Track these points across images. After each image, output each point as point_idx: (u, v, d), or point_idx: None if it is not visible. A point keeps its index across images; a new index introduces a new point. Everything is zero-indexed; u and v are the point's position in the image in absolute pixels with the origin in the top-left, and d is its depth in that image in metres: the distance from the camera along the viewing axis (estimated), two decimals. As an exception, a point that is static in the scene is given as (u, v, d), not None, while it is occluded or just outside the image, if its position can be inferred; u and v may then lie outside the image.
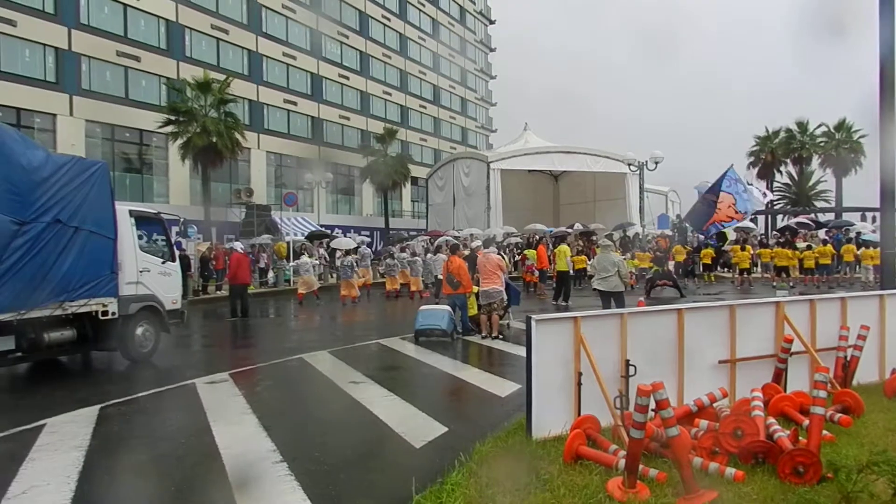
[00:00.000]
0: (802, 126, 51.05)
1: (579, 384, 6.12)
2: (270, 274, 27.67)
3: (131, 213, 11.34)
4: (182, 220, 14.39)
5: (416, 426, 6.86)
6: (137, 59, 34.59)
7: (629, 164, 33.26)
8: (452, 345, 12.47)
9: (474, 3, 74.58)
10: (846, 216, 38.89)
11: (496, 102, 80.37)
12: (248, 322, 17.44)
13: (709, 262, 26.78)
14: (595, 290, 13.55)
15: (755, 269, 26.40)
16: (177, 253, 13.14)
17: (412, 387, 9.31)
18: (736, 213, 18.71)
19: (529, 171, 41.42)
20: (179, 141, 29.85)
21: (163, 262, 11.96)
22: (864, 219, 37.54)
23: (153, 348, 11.39)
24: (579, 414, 6.01)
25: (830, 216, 41.18)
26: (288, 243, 28.89)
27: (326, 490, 5.13)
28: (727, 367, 7.08)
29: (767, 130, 51.66)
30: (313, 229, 36.20)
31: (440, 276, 17.43)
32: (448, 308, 13.19)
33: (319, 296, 22.58)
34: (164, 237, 12.35)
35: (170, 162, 34.43)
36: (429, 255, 24.48)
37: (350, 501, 4.94)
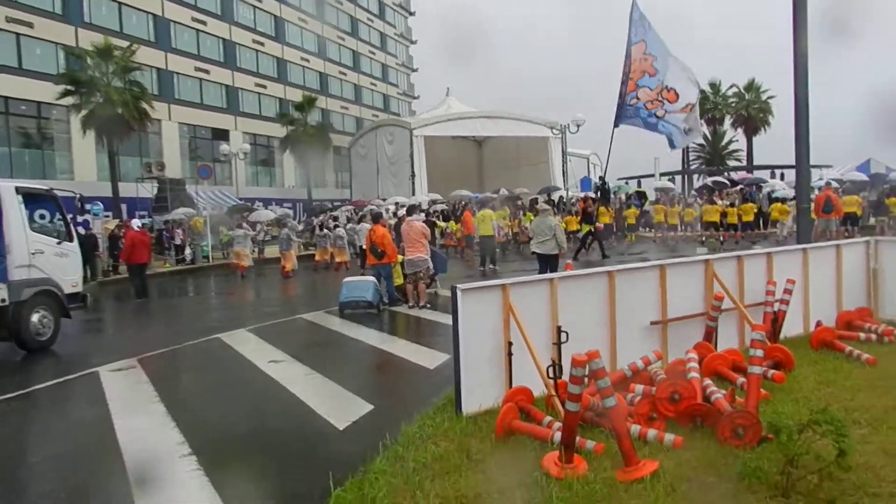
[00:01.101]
0: (715, 87, 52.32)
1: (510, 354, 5.79)
2: (188, 251, 26.41)
3: (18, 190, 10.31)
4: (79, 196, 13.24)
5: (339, 406, 6.42)
6: (30, 25, 32.06)
7: (551, 128, 33.33)
8: (379, 316, 12.03)
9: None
10: (757, 174, 40.28)
11: (417, 68, 79.26)
12: (160, 303, 16.47)
13: (633, 221, 27.13)
14: (533, 253, 13.36)
15: (679, 227, 26.91)
16: (79, 232, 12.12)
17: (336, 363, 8.83)
18: (652, 69, 14.65)
19: (453, 137, 40.98)
20: (81, 113, 27.86)
21: (59, 243, 10.97)
22: (773, 176, 38.98)
23: (52, 336, 10.48)
24: (511, 386, 5.69)
25: (744, 175, 42.54)
26: (205, 218, 27.61)
27: (238, 485, 4.64)
28: (659, 329, 6.91)
29: (684, 92, 52.67)
30: (233, 203, 34.81)
31: (364, 247, 16.88)
32: (373, 279, 12.71)
33: (245, 272, 21.62)
34: (60, 215, 11.32)
35: (72, 136, 32.21)
36: (350, 225, 23.83)
37: (264, 497, 4.47)
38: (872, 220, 23.32)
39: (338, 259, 21.83)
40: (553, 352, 5.86)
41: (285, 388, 7.19)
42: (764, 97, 51.16)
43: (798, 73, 10.23)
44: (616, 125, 16.19)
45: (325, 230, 23.55)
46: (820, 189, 22.05)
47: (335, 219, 26.11)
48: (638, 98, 15.00)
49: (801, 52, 10.16)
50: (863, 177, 31.99)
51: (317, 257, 23.57)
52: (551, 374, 5.44)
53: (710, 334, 7.02)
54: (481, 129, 39.71)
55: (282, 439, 5.69)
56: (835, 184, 27.39)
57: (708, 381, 5.52)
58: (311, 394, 6.89)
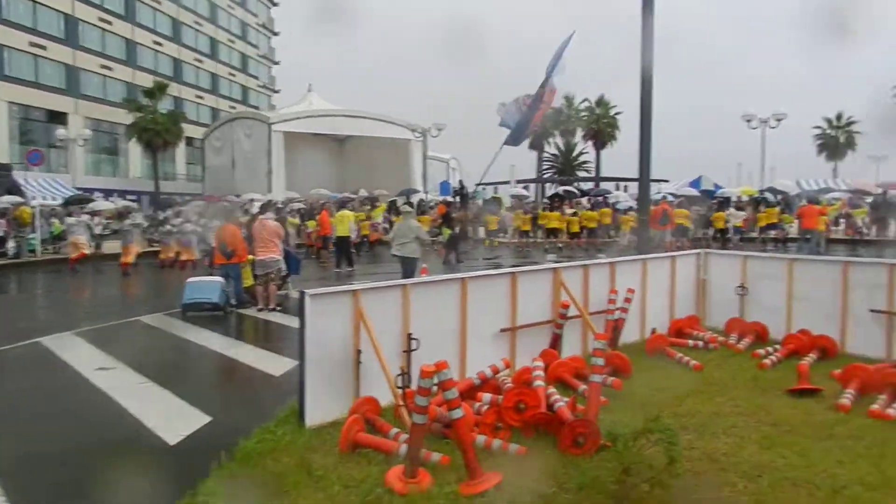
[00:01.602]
0: (569, 100, 54.94)
1: (359, 363, 5.62)
2: (11, 244, 23.90)
3: None
4: None
5: (172, 418, 5.96)
6: None
7: (413, 131, 33.48)
8: (225, 319, 11.42)
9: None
10: (604, 185, 42.71)
11: (279, 61, 77.11)
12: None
13: (494, 227, 27.76)
14: (394, 255, 13.18)
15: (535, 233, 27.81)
16: None
17: (174, 370, 8.24)
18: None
19: (314, 134, 40.12)
20: None
21: None
22: (617, 188, 41.48)
23: None
24: (359, 396, 5.52)
25: (591, 185, 44.96)
26: (34, 209, 25.15)
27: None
28: (509, 336, 7.01)
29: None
30: (69, 193, 32.01)
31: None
32: (220, 279, 12.06)
33: (77, 266, 19.81)
34: None
35: None
36: (203, 221, 22.61)
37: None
38: (700, 233, 25.30)
39: (183, 257, 20.62)
40: (403, 360, 5.75)
41: (112, 400, 6.59)
42: (612, 112, 54.39)
43: (644, 91, 10.82)
44: (511, 144, 16.65)
45: (170, 225, 22.19)
46: (657, 202, 23.64)
47: (179, 214, 24.62)
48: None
49: (647, 75, 10.75)
50: (695, 192, 34.74)
51: (161, 254, 22.13)
52: (400, 384, 5.33)
53: (556, 341, 7.22)
54: (343, 127, 39.18)
55: (101, 458, 5.15)
56: (670, 197, 29.56)
57: (552, 390, 5.63)
58: (141, 405, 6.34)
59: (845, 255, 18.49)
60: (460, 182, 32.73)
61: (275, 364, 7.99)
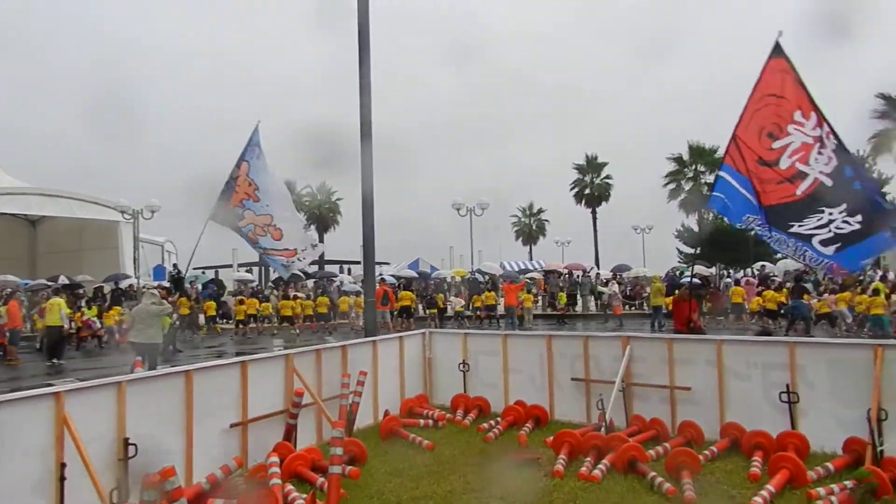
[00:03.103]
0: (290, 186, 55.34)
1: (62, 479, 4.81)
2: None
3: None
4: None
5: None
6: None
7: (122, 212, 30.95)
8: None
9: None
10: (328, 268, 43.25)
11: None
12: None
13: (213, 313, 26.28)
14: (132, 343, 11.46)
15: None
16: None
17: None
18: (255, 196, 13.89)
19: (-1, 213, 34.92)
20: None
21: None
22: (342, 270, 42.31)
23: None
24: (62, 520, 4.70)
25: (316, 268, 45.20)
26: None
27: None
28: (240, 430, 6.56)
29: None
30: None
31: None
32: None
33: None
34: None
35: None
36: None
37: None
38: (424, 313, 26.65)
39: None
40: (119, 470, 5.06)
41: None
42: (333, 198, 55.93)
43: (364, 177, 11.25)
44: (217, 221, 15.45)
45: None
46: (378, 284, 24.51)
47: None
48: (244, 217, 14.53)
49: (367, 162, 11.23)
50: (413, 273, 36.76)
51: None
52: (115, 499, 4.67)
53: (291, 432, 6.93)
54: (37, 207, 34.70)
55: None
56: (391, 279, 30.87)
57: (290, 487, 5.36)
58: None
59: (548, 328, 20.79)
60: (174, 266, 30.71)
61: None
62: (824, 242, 7.60)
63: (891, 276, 22.99)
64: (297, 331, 23.91)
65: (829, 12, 11.66)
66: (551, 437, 7.01)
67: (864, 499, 5.13)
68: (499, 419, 8.18)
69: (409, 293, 25.23)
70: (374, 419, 8.51)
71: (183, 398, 6.02)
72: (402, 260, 41.41)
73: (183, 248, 42.23)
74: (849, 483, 5.39)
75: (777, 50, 7.90)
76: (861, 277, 22.06)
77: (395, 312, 24.00)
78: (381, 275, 32.87)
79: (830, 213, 7.58)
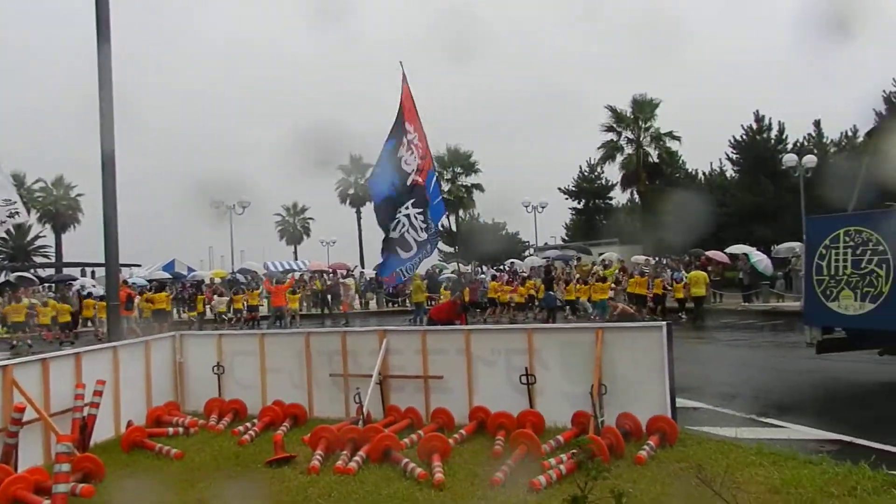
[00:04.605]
0: (19, 179, 48.79)
1: None
2: None
3: None
4: None
5: None
6: None
7: None
8: None
9: None
10: (67, 271, 38.90)
11: None
12: None
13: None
14: None
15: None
16: None
17: None
18: None
19: None
20: None
21: None
22: (84, 274, 38.26)
23: None
24: None
25: (52, 271, 40.48)
26: None
27: None
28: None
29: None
30: None
31: None
32: None
33: None
34: None
35: None
36: None
37: None
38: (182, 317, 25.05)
39: None
40: None
41: None
42: (73, 194, 50.32)
43: (106, 174, 10.26)
44: None
45: None
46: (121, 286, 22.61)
47: None
48: None
49: (108, 155, 10.23)
50: (167, 275, 34.39)
51: None
52: None
53: (10, 453, 6.09)
54: None
55: None
56: (142, 281, 28.66)
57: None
58: None
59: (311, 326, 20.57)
60: None
61: None
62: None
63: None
64: (29, 343, 21.07)
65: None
66: (308, 435, 6.95)
67: (585, 463, 5.76)
68: (255, 421, 7.93)
69: (163, 295, 23.60)
70: (116, 432, 7.80)
71: None
72: (156, 261, 38.52)
73: None
74: (574, 451, 6.01)
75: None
76: (594, 271, 24.96)
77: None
78: (130, 276, 30.36)
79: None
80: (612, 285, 21.87)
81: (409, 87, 9.52)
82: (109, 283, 11.31)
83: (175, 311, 26.70)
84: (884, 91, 33.73)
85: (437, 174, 10.54)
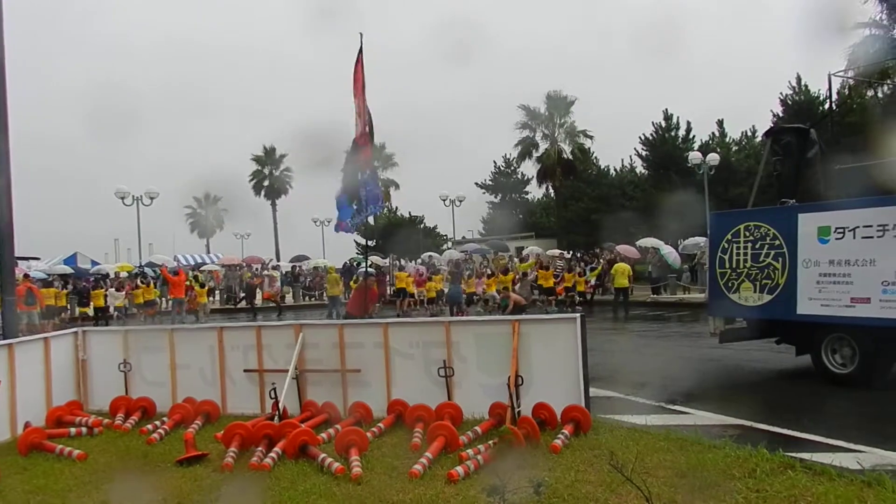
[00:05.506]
0: None
1: None
2: None
3: None
4: None
5: None
6: None
7: None
8: None
9: None
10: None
11: None
12: None
13: None
14: None
15: None
16: None
17: None
18: None
19: None
20: None
21: None
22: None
23: None
24: None
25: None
26: None
27: None
28: None
29: None
30: None
31: None
32: None
33: None
34: None
35: None
36: None
37: None
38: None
39: None
40: None
41: None
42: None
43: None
44: None
45: None
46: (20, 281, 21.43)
47: None
48: None
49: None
50: (69, 269, 32.67)
51: None
52: None
53: None
54: None
55: None
56: (40, 274, 27.13)
57: None
58: None
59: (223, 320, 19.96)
60: None
61: None
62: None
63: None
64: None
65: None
66: (221, 432, 6.76)
67: (503, 452, 5.86)
68: (165, 419, 7.64)
69: (51, 291, 22.51)
70: (12, 434, 7.37)
71: None
72: (55, 254, 36.53)
73: None
74: (492, 442, 6.10)
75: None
76: (509, 266, 25.42)
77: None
78: (29, 268, 28.70)
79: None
80: (519, 277, 22.51)
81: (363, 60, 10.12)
82: (5, 275, 10.61)
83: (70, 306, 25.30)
84: (780, 93, 35.80)
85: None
